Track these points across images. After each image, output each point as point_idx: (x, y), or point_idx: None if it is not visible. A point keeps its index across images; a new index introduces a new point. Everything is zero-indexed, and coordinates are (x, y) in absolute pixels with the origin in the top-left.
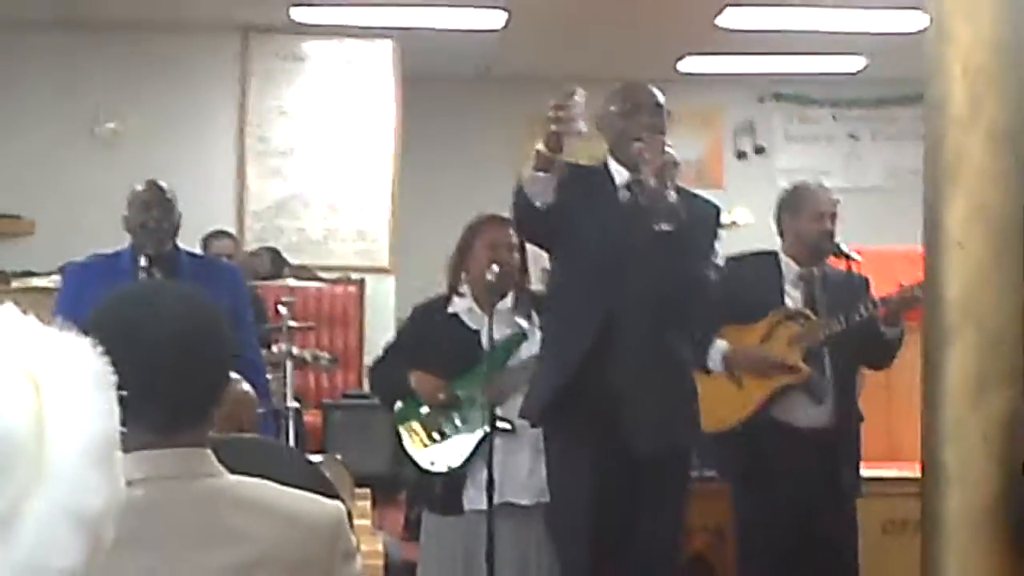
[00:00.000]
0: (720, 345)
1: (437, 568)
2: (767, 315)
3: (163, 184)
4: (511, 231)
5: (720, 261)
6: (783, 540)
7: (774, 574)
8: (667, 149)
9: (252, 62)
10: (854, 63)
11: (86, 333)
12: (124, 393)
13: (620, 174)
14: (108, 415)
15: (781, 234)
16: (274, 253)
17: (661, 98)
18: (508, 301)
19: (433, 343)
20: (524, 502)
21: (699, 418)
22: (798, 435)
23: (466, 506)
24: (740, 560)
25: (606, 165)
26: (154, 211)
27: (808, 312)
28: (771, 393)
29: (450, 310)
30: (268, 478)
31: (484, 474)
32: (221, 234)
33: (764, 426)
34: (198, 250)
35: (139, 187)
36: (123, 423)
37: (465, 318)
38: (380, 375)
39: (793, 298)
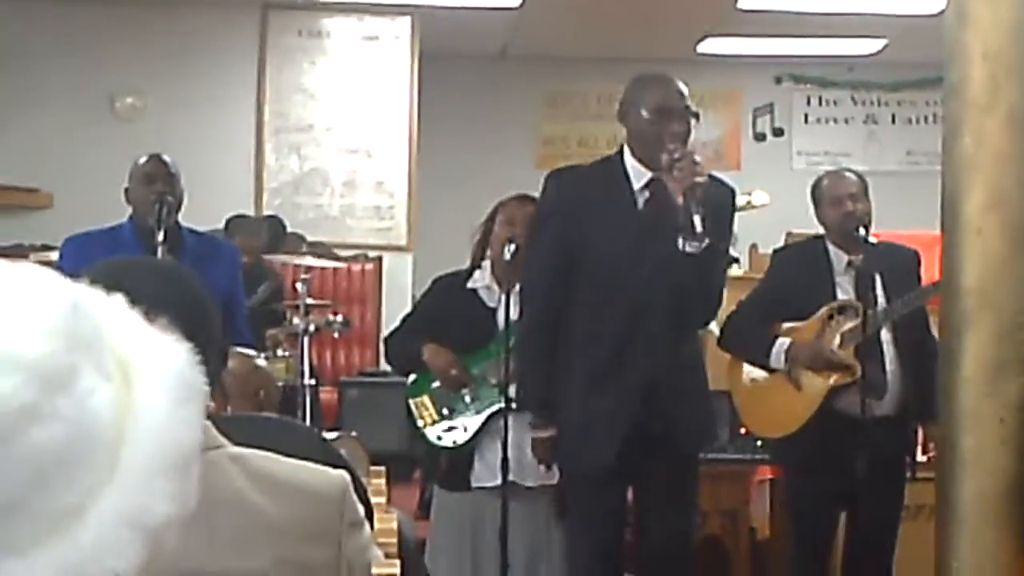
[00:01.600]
0: (783, 341)
1: (445, 543)
2: (819, 308)
3: (166, 158)
4: (530, 207)
5: (734, 246)
6: (830, 526)
7: (823, 558)
8: (697, 169)
9: (271, 38)
10: (874, 45)
11: None
12: (211, 405)
13: (638, 172)
14: (194, 427)
15: (823, 225)
16: (274, 222)
17: (689, 99)
18: None
19: (450, 317)
20: (529, 483)
21: (714, 416)
22: (856, 425)
23: (473, 483)
24: (795, 544)
25: (621, 157)
26: (158, 184)
27: (859, 305)
28: (827, 393)
29: (469, 285)
30: (285, 456)
31: (492, 452)
32: (244, 220)
33: (823, 416)
34: (213, 227)
35: (142, 160)
36: None
37: (483, 294)
38: (395, 344)
39: (844, 288)
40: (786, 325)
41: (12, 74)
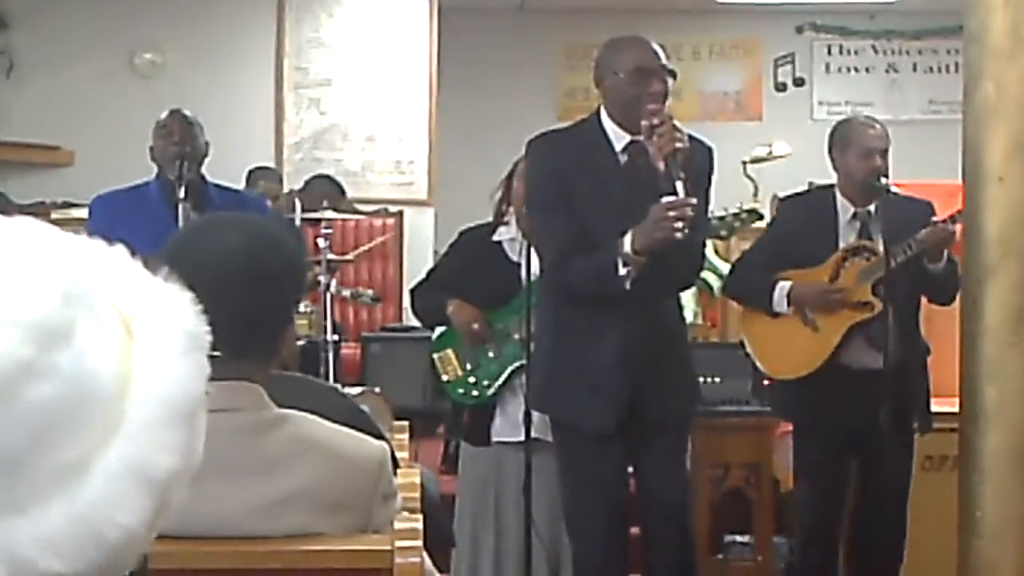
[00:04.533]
0: (783, 285)
1: (471, 496)
2: (822, 258)
3: (187, 112)
4: None
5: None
6: (841, 481)
7: (833, 514)
8: (677, 134)
9: None
10: None
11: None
12: (217, 354)
13: (617, 135)
14: (197, 376)
15: (836, 170)
16: (331, 183)
17: (666, 60)
18: None
19: (475, 270)
20: (551, 439)
21: (696, 381)
22: (857, 379)
23: (494, 438)
24: (801, 499)
25: (599, 121)
26: (175, 137)
27: (874, 246)
28: (845, 333)
29: (495, 238)
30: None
31: (513, 407)
32: (266, 171)
33: (827, 369)
34: (234, 183)
35: (163, 116)
36: None
37: (507, 248)
38: (421, 297)
39: (846, 239)
40: (799, 271)
41: (32, 32)
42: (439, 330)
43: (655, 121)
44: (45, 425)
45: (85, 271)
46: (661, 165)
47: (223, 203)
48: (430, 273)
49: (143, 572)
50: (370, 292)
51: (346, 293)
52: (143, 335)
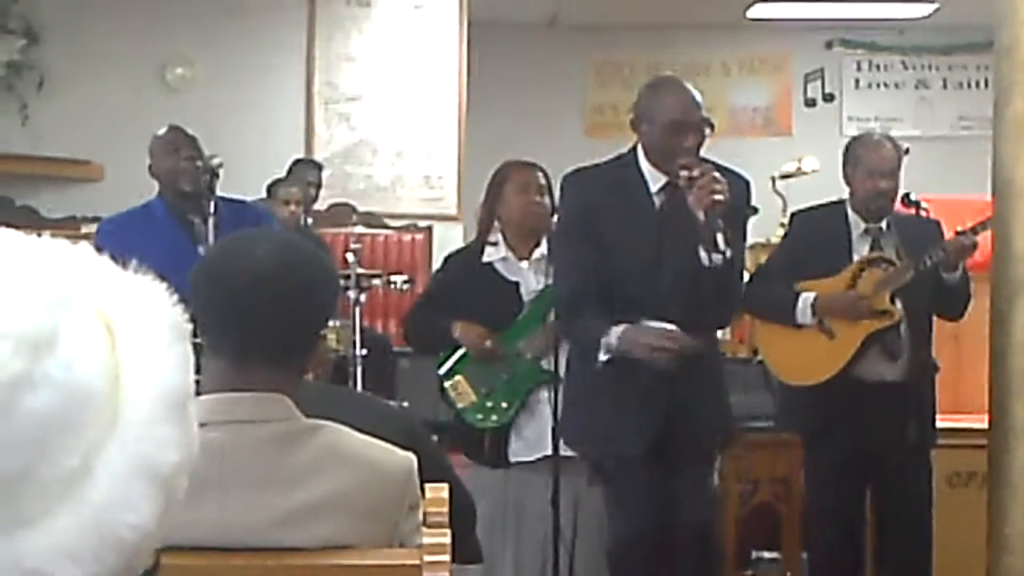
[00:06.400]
0: (807, 296)
1: (485, 519)
2: (838, 270)
3: (182, 126)
4: (539, 173)
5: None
6: (854, 495)
7: (845, 529)
8: (716, 187)
9: (319, 8)
10: (924, 9)
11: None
12: (198, 342)
13: (654, 176)
14: (183, 367)
15: (848, 185)
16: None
17: (704, 110)
18: (543, 247)
19: (470, 294)
20: (568, 453)
21: (729, 405)
22: (869, 390)
23: (511, 459)
24: (812, 515)
25: (635, 158)
26: (185, 151)
27: (891, 257)
28: (863, 341)
29: (485, 259)
30: (359, 428)
31: (529, 428)
32: (307, 163)
33: (836, 383)
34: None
35: (160, 132)
36: (198, 367)
37: (500, 268)
38: (417, 323)
39: (859, 253)
40: (816, 282)
41: (63, 46)
42: (444, 358)
43: (694, 173)
44: (44, 434)
45: (61, 275)
46: (701, 215)
47: (228, 214)
48: (421, 299)
49: (155, 569)
50: (404, 277)
51: (377, 281)
52: (126, 332)
